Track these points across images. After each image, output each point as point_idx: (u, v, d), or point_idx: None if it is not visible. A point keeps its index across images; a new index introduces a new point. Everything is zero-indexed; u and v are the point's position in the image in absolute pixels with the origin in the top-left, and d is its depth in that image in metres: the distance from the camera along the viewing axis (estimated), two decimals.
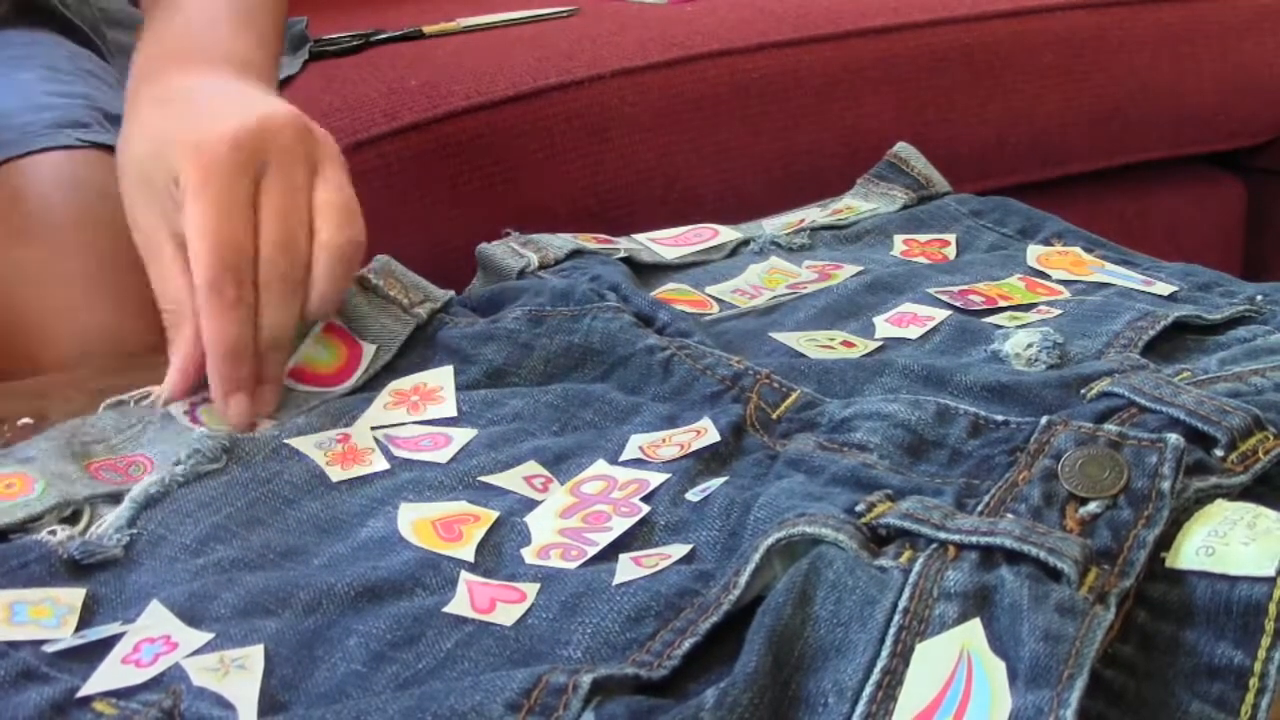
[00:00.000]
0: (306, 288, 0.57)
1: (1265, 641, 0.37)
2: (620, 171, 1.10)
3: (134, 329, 0.75)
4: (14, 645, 0.42)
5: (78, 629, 0.44)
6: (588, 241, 0.70)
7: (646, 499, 0.49)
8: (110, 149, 0.86)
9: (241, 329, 0.55)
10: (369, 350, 0.60)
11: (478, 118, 1.05)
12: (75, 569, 0.47)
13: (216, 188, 0.55)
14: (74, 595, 0.45)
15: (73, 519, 0.50)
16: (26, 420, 0.57)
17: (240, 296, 0.55)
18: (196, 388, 0.57)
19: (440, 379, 0.59)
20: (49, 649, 0.42)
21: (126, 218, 0.61)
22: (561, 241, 0.70)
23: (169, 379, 0.57)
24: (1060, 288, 0.66)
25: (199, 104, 0.61)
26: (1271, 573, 0.38)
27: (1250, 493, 0.45)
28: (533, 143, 1.06)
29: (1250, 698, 0.37)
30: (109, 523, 0.49)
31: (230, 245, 0.55)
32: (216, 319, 0.55)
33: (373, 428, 0.55)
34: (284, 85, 1.06)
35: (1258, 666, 0.37)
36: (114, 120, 0.90)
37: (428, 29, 1.25)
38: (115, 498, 0.51)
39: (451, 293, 0.65)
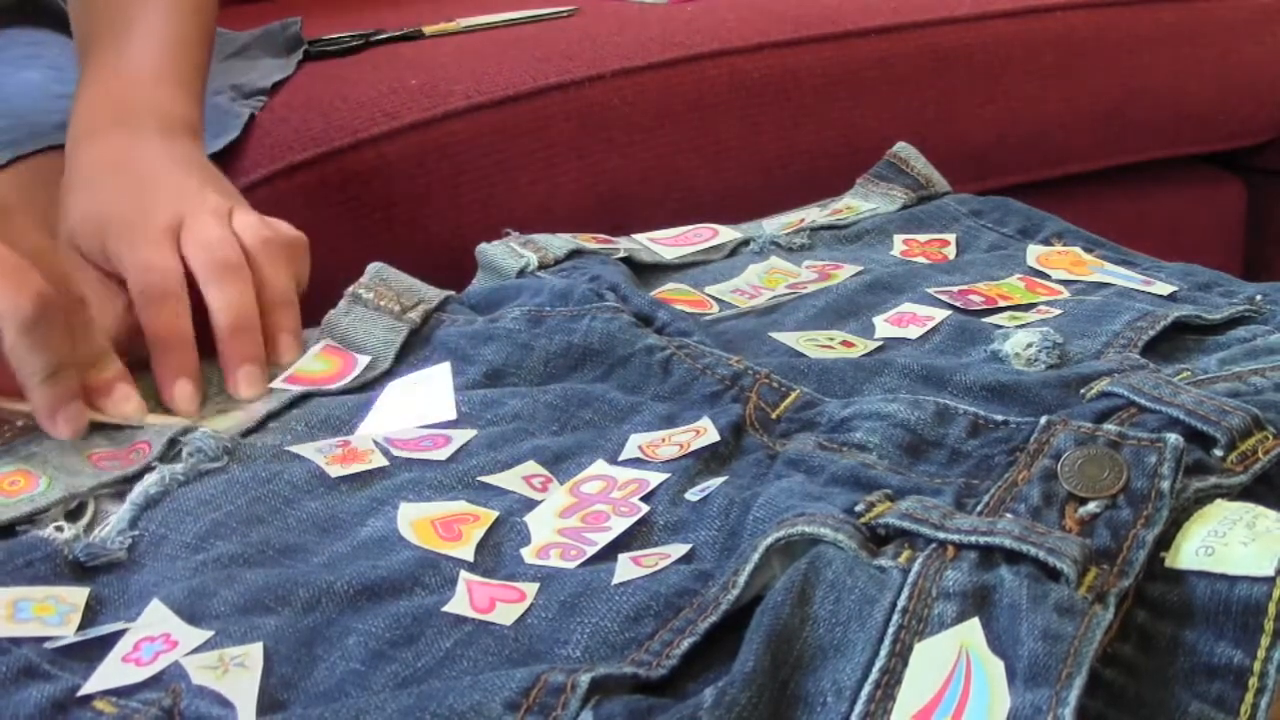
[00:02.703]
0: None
1: (1265, 641, 0.37)
2: (620, 171, 1.09)
3: (138, 327, 0.75)
4: (15, 642, 0.42)
5: (80, 628, 0.44)
6: (587, 241, 0.71)
7: (646, 499, 0.49)
8: None
9: (246, 298, 0.61)
10: (362, 360, 0.61)
11: (478, 118, 1.05)
12: (79, 568, 0.47)
13: (146, 251, 0.61)
14: (77, 594, 0.45)
15: (77, 512, 0.50)
16: (27, 420, 0.57)
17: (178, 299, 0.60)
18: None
19: (440, 376, 0.59)
20: (50, 646, 0.42)
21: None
22: (561, 241, 0.70)
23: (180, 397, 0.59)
24: (1060, 288, 0.66)
25: (133, 182, 0.66)
26: (1271, 572, 0.38)
27: (1250, 493, 0.45)
28: (533, 143, 1.06)
29: (1250, 697, 0.37)
30: (111, 525, 0.50)
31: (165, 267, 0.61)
32: (225, 290, 0.60)
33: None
34: (278, 88, 1.06)
35: (1257, 666, 0.37)
36: None
37: (428, 29, 1.25)
38: (119, 492, 0.51)
39: (448, 292, 0.65)
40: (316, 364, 0.61)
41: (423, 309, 0.63)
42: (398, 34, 1.24)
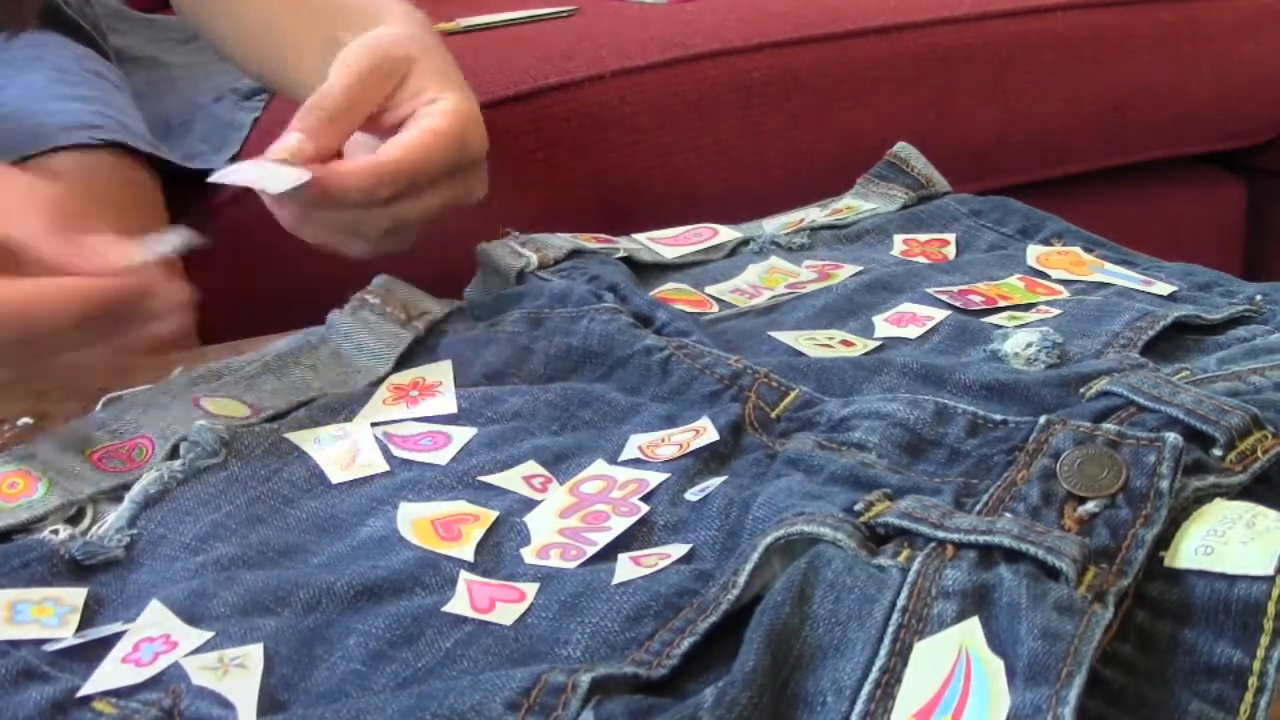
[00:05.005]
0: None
1: (1264, 640, 0.37)
2: (620, 171, 1.09)
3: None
4: (14, 644, 0.42)
5: (79, 629, 0.44)
6: (588, 241, 0.71)
7: (646, 499, 0.49)
8: (122, 147, 0.86)
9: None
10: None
11: None
12: (77, 569, 0.47)
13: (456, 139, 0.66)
14: (76, 595, 0.45)
15: (76, 517, 0.50)
16: (27, 420, 0.57)
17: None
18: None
19: (439, 374, 0.59)
20: (49, 648, 0.42)
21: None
22: (561, 241, 0.70)
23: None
24: (1060, 287, 0.66)
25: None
26: (1270, 571, 0.38)
27: (1249, 492, 0.45)
28: (533, 143, 1.06)
29: (1249, 697, 0.37)
30: (109, 523, 0.50)
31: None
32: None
33: (372, 423, 0.55)
34: None
35: (1257, 665, 0.37)
36: (119, 123, 0.90)
37: None
38: (117, 495, 0.51)
39: (452, 305, 0.65)
40: None
41: (428, 319, 0.64)
42: None
